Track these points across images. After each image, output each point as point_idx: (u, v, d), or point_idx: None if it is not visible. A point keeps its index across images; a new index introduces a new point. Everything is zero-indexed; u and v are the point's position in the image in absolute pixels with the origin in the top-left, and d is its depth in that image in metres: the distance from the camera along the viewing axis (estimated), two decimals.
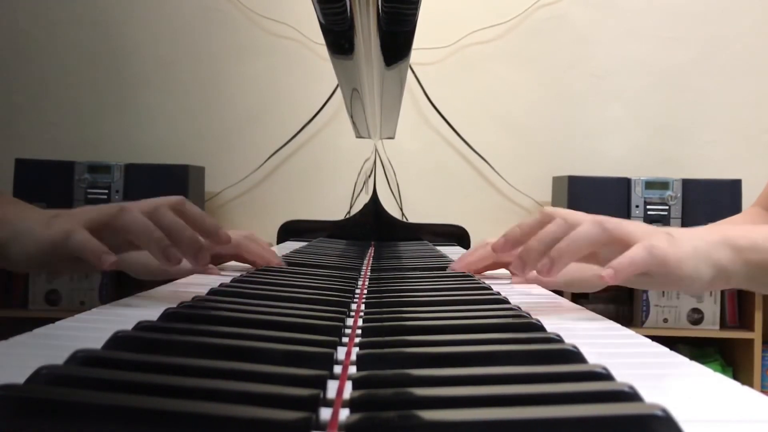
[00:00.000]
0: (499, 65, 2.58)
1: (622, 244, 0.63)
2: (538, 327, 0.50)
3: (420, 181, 2.57)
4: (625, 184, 2.28)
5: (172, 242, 0.65)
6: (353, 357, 0.41)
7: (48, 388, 0.31)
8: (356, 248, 1.33)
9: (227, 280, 0.70)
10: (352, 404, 0.31)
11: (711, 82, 2.56)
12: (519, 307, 0.59)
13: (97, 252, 0.61)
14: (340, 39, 0.72)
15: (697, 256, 0.63)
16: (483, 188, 2.59)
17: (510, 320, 0.52)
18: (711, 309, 2.30)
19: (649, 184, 2.28)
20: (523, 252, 0.67)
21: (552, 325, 0.58)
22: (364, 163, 2.35)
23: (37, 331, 0.49)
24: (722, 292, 2.27)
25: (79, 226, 0.63)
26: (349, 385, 0.36)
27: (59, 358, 0.36)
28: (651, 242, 0.62)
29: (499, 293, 0.65)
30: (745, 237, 0.66)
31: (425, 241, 1.49)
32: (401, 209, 2.50)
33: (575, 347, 0.41)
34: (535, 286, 0.84)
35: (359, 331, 0.49)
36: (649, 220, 2.20)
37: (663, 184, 2.28)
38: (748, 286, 0.68)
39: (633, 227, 0.65)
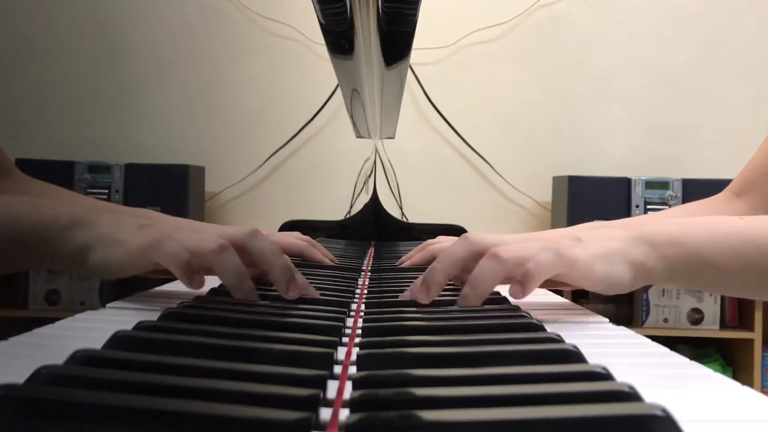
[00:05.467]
0: (500, 65, 2.58)
1: (516, 262, 0.59)
2: (538, 327, 0.50)
3: (420, 181, 2.57)
4: (625, 184, 2.28)
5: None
6: (353, 357, 0.41)
7: (48, 388, 0.31)
8: (356, 248, 1.33)
9: None
10: (352, 404, 0.31)
11: (711, 82, 2.56)
12: (519, 307, 0.59)
13: (187, 268, 0.58)
14: (340, 39, 0.72)
15: (611, 255, 0.61)
16: (483, 188, 2.59)
17: (510, 320, 0.52)
18: (711, 309, 2.30)
19: (649, 184, 2.28)
20: (429, 279, 0.62)
21: (552, 324, 0.58)
22: (364, 163, 2.35)
23: (37, 331, 0.49)
24: None
25: (169, 235, 0.60)
26: (349, 385, 0.36)
27: (59, 358, 0.36)
28: (557, 246, 0.59)
29: (499, 293, 0.65)
30: (661, 232, 0.63)
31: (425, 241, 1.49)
32: (401, 209, 2.50)
33: (575, 347, 0.41)
34: None
35: (359, 331, 0.49)
36: None
37: (663, 184, 2.28)
38: (672, 282, 0.65)
39: (537, 243, 0.60)
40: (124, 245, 0.61)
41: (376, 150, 1.78)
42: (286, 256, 0.62)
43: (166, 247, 0.58)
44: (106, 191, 2.26)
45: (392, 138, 1.59)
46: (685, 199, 2.25)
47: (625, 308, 2.35)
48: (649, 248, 0.62)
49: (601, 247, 0.61)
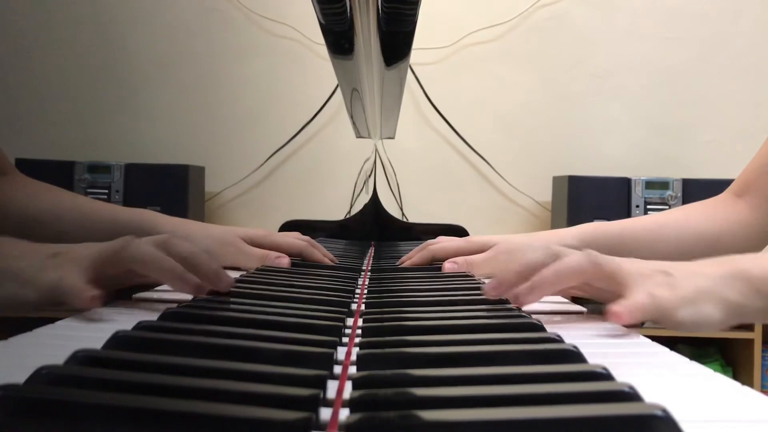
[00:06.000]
0: (499, 65, 2.58)
1: (614, 281, 0.60)
2: (538, 327, 0.50)
3: (420, 181, 2.57)
4: (625, 184, 2.28)
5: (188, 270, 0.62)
6: (353, 357, 0.41)
7: (48, 388, 0.31)
8: (356, 248, 1.33)
9: None
10: (352, 404, 0.31)
11: (711, 81, 2.56)
12: (519, 307, 0.59)
13: (78, 291, 0.57)
14: (340, 39, 0.72)
15: (700, 296, 0.58)
16: (483, 188, 2.59)
17: (510, 320, 0.52)
18: None
19: (649, 184, 2.28)
20: (502, 274, 0.63)
21: (552, 325, 0.58)
22: (364, 163, 2.35)
23: (37, 331, 0.49)
24: None
25: (74, 269, 0.58)
26: (349, 385, 0.36)
27: (59, 358, 0.36)
28: (651, 290, 0.58)
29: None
30: (757, 265, 0.61)
31: (425, 241, 1.49)
32: (401, 209, 2.50)
33: (575, 347, 0.41)
34: None
35: (359, 331, 0.49)
36: None
37: (663, 184, 2.28)
38: (766, 318, 0.62)
39: (629, 267, 0.61)
40: (31, 283, 0.58)
41: (376, 150, 1.78)
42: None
43: (69, 283, 0.57)
44: (106, 191, 2.26)
45: (392, 138, 1.59)
46: (685, 199, 2.25)
47: None
48: (745, 285, 0.60)
49: (691, 286, 0.59)
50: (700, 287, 0.59)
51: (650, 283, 0.59)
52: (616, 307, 0.57)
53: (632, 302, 0.57)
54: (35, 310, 0.59)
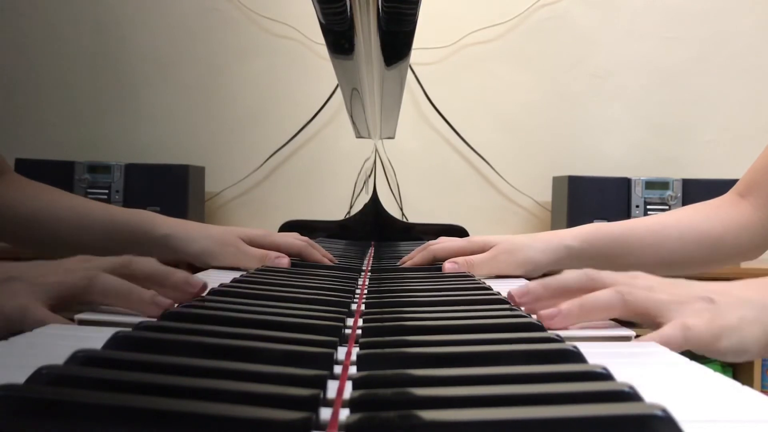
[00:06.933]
0: (500, 65, 2.58)
1: (646, 316, 0.58)
2: (538, 327, 0.50)
3: (420, 181, 2.57)
4: (625, 184, 2.28)
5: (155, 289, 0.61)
6: (353, 357, 0.41)
7: (48, 388, 0.31)
8: (356, 248, 1.33)
9: (227, 280, 0.70)
10: (352, 404, 0.31)
11: (711, 82, 2.56)
12: (519, 307, 0.59)
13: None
14: (340, 39, 0.72)
15: (744, 326, 0.56)
16: (483, 188, 2.59)
17: (510, 320, 0.52)
18: None
19: (649, 184, 2.28)
20: (532, 284, 0.62)
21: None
22: (364, 163, 2.35)
23: (37, 331, 0.49)
24: None
25: (35, 299, 0.56)
26: (349, 385, 0.36)
27: (59, 358, 0.36)
28: (686, 321, 0.55)
29: (499, 293, 0.65)
30: None
31: (425, 241, 1.49)
32: (401, 209, 2.50)
33: (575, 347, 0.41)
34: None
35: (359, 331, 0.49)
36: None
37: (663, 184, 2.28)
38: None
39: (665, 297, 0.57)
40: None
41: (376, 150, 1.78)
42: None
43: (34, 317, 0.54)
44: (106, 191, 2.26)
45: (392, 138, 1.59)
46: (685, 199, 2.25)
47: None
48: None
49: (735, 315, 0.56)
50: (745, 317, 0.56)
51: (688, 312, 0.56)
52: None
53: (658, 337, 0.54)
54: None
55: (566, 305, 0.58)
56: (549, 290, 0.61)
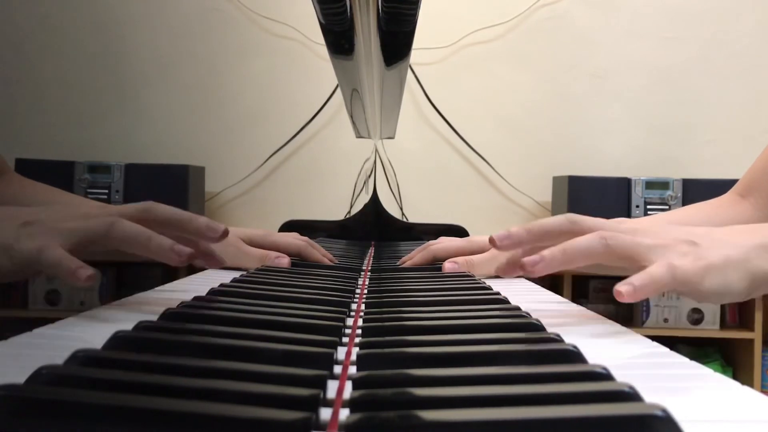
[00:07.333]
0: (500, 65, 2.58)
1: (630, 260, 0.58)
2: (538, 327, 0.50)
3: (420, 181, 2.57)
4: (625, 184, 2.28)
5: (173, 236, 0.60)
6: (353, 357, 0.41)
7: (48, 388, 0.31)
8: (356, 248, 1.33)
9: (227, 280, 0.70)
10: (352, 404, 0.31)
11: (711, 82, 2.56)
12: (519, 307, 0.59)
13: (72, 269, 0.55)
14: (340, 39, 0.72)
15: (728, 266, 0.56)
16: (483, 188, 2.59)
17: (510, 320, 0.52)
18: (711, 309, 2.30)
19: (649, 184, 2.28)
20: (514, 228, 0.62)
21: (552, 325, 0.58)
22: (364, 163, 2.35)
23: (37, 331, 0.49)
24: None
25: (53, 241, 0.56)
26: (349, 385, 0.36)
27: (59, 358, 0.36)
28: (672, 261, 0.56)
29: (499, 293, 0.65)
30: None
31: (426, 241, 1.49)
32: (401, 209, 2.50)
33: (575, 347, 0.41)
34: (535, 287, 0.85)
35: (359, 331, 0.49)
36: None
37: (663, 184, 2.28)
38: None
39: (649, 240, 0.58)
40: (6, 252, 0.56)
41: (376, 150, 1.78)
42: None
43: (50, 256, 0.55)
44: (106, 191, 2.26)
45: (392, 138, 1.59)
46: (685, 199, 2.25)
47: (625, 308, 2.35)
48: None
49: (719, 255, 0.57)
50: (729, 256, 0.57)
51: (673, 254, 0.57)
52: (619, 287, 0.55)
53: (647, 275, 0.55)
54: (12, 278, 0.58)
55: (549, 252, 0.58)
56: (531, 235, 0.61)
